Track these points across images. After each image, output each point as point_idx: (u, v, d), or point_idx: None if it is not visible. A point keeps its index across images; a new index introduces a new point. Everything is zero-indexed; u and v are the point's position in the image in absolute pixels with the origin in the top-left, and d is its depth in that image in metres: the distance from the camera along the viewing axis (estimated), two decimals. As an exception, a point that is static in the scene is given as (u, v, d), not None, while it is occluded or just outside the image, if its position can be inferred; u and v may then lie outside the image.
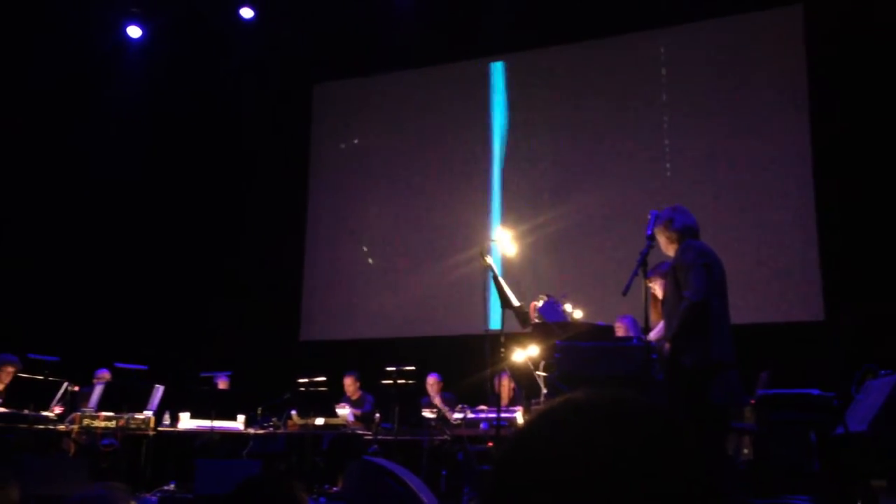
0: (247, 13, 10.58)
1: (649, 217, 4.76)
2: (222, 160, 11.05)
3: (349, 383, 8.88)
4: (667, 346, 4.56)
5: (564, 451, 0.73)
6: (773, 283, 8.50)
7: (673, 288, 4.68)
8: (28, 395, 7.18)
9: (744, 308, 8.10)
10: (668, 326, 4.70)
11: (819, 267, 8.34)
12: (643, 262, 4.52)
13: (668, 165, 9.27)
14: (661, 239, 4.79)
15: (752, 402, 6.47)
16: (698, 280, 4.48)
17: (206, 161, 11.03)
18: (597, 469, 0.71)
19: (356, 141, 11.05)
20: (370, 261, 10.76)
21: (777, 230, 8.65)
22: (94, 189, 10.46)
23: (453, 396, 8.40)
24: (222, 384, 8.93)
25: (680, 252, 4.69)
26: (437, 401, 8.41)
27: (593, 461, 0.71)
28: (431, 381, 8.59)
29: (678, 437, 0.75)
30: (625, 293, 4.36)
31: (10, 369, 7.60)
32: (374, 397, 8.65)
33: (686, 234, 4.74)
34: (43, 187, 10.18)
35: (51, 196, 10.23)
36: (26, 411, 7.12)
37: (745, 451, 6.91)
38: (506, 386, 7.78)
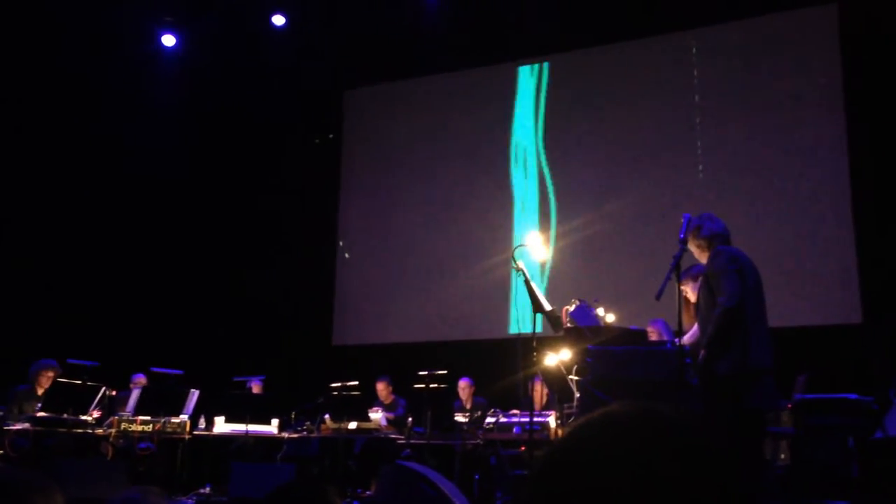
0: (278, 20, 10.67)
1: (682, 221, 4.73)
2: (254, 166, 11.14)
3: (381, 388, 8.90)
4: (702, 353, 4.52)
5: (600, 464, 0.74)
6: (811, 286, 8.39)
7: (706, 295, 4.66)
8: (67, 399, 7.29)
9: (781, 311, 8.00)
10: (703, 333, 4.66)
11: (857, 269, 8.21)
12: (676, 266, 4.49)
13: (700, 167, 9.19)
14: (693, 247, 4.79)
15: (790, 406, 6.40)
16: (731, 285, 4.46)
17: (238, 167, 11.13)
18: (632, 481, 0.71)
19: (386, 146, 11.08)
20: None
21: (814, 232, 8.53)
22: (129, 196, 10.60)
23: (485, 401, 8.39)
24: (256, 388, 9.00)
25: (711, 259, 4.68)
26: (468, 406, 8.41)
27: (628, 473, 0.72)
28: (463, 386, 8.59)
29: (713, 450, 0.75)
30: (658, 297, 4.33)
31: (50, 374, 7.73)
32: (406, 401, 8.66)
33: (715, 240, 4.73)
34: (79, 193, 10.34)
35: (87, 203, 10.38)
36: (65, 416, 7.23)
37: (783, 455, 6.83)
38: (538, 391, 7.75)
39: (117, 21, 10.23)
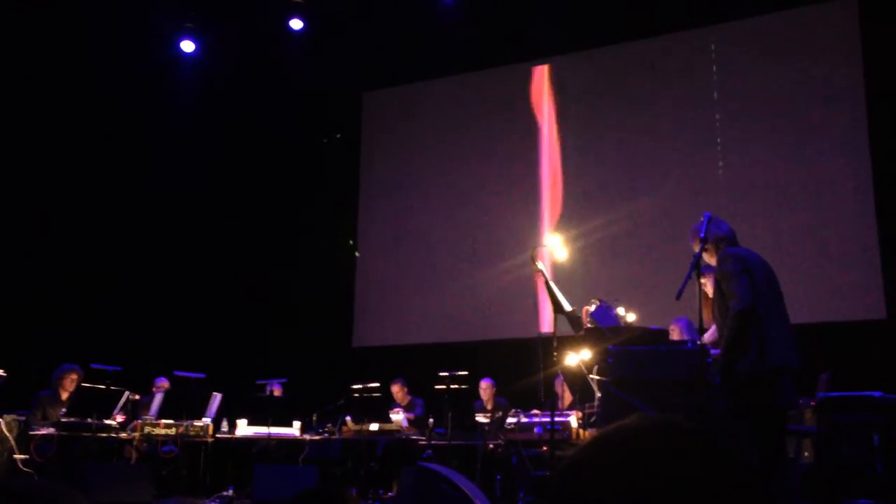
0: (296, 24, 10.71)
1: (702, 219, 4.70)
2: (275, 169, 11.20)
3: (397, 390, 8.90)
4: (720, 355, 4.49)
5: (620, 474, 0.74)
6: (833, 282, 8.32)
7: (719, 298, 4.62)
8: (91, 404, 7.35)
9: (803, 307, 7.94)
10: (720, 336, 4.63)
11: (880, 263, 8.13)
12: (696, 265, 4.47)
13: (720, 164, 9.14)
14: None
15: (813, 404, 6.35)
16: (741, 288, 4.43)
17: (258, 170, 11.18)
18: (651, 490, 0.71)
19: (405, 147, 11.10)
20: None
21: (836, 227, 8.46)
22: (151, 200, 10.68)
23: (506, 401, 8.39)
24: (276, 391, 9.04)
25: (719, 262, 4.64)
26: (489, 406, 8.40)
27: (648, 483, 0.72)
28: (485, 386, 8.58)
29: (733, 460, 0.75)
30: (678, 297, 4.31)
31: (74, 377, 7.80)
32: (423, 400, 8.67)
33: (721, 243, 4.69)
34: (101, 199, 10.42)
35: (109, 207, 10.47)
36: (90, 420, 7.29)
37: (807, 454, 6.79)
38: (561, 388, 7.72)
39: (138, 27, 10.30)
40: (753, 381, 4.38)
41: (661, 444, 0.75)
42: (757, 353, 4.39)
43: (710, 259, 4.79)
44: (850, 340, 7.80)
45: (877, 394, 5.91)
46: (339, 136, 11.38)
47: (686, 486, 0.72)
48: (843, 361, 6.95)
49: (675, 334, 6.20)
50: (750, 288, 4.45)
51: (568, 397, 7.64)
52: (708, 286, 5.10)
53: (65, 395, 7.76)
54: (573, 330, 5.18)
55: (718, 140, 9.18)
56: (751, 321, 4.41)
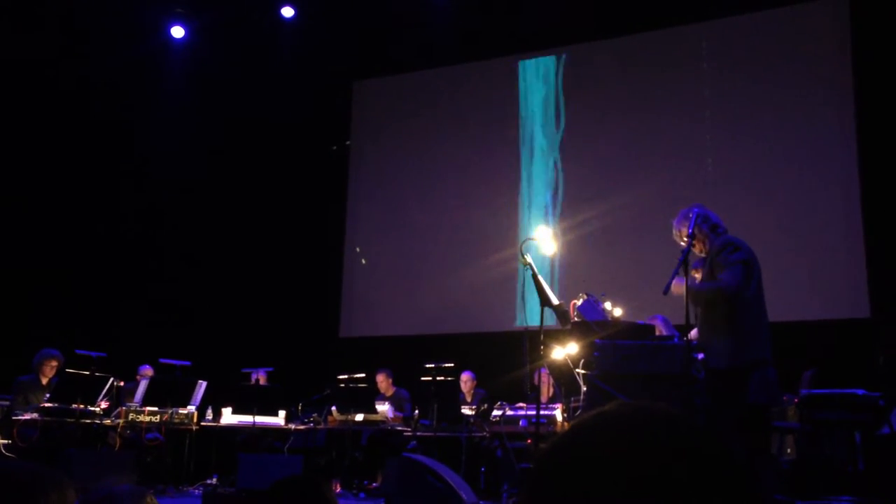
0: (287, 12, 10.66)
1: (691, 215, 4.72)
2: (263, 158, 11.14)
3: (381, 380, 8.89)
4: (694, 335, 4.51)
5: (596, 461, 0.73)
6: (818, 280, 8.37)
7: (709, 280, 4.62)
8: (75, 390, 7.32)
9: (788, 305, 7.99)
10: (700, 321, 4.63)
11: (865, 262, 8.19)
12: (684, 261, 4.48)
13: (710, 161, 9.16)
14: (695, 240, 4.79)
15: (797, 401, 6.39)
16: (735, 277, 4.51)
17: (246, 159, 11.12)
18: (627, 477, 0.71)
19: (395, 138, 11.07)
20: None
21: (822, 225, 8.51)
22: (136, 186, 10.63)
23: (485, 392, 8.40)
24: (262, 380, 9.03)
25: (722, 247, 4.64)
26: (469, 399, 8.42)
27: (623, 470, 0.72)
28: (465, 379, 8.57)
29: (712, 447, 0.75)
30: (665, 292, 4.32)
31: (54, 363, 7.76)
32: (408, 392, 8.67)
33: (716, 229, 4.74)
34: (86, 185, 10.36)
35: (95, 194, 10.41)
36: (74, 406, 7.26)
37: (789, 450, 6.84)
38: (545, 382, 7.74)
39: (127, 12, 10.23)
40: (730, 374, 4.41)
41: (640, 430, 0.75)
42: (734, 347, 4.42)
43: (698, 251, 4.79)
44: (834, 339, 7.85)
45: (859, 392, 5.96)
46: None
47: (666, 472, 0.71)
48: (826, 359, 6.99)
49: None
50: (743, 281, 4.47)
51: (546, 390, 7.67)
52: (698, 280, 5.11)
53: (45, 381, 7.72)
54: (560, 324, 5.19)
55: (708, 137, 9.20)
56: (732, 311, 4.44)
